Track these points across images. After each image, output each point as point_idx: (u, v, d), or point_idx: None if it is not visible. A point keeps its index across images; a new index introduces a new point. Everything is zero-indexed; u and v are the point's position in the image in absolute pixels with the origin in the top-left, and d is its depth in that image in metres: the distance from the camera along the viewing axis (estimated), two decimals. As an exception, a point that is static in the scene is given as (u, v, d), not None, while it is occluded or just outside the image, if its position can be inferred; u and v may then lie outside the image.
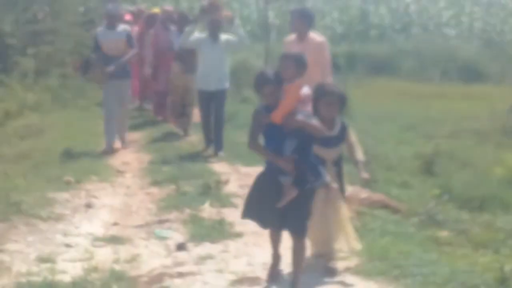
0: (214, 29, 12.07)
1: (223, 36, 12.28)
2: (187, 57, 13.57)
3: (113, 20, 12.32)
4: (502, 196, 9.66)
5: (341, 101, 6.30)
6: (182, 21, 14.67)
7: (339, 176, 6.56)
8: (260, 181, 6.18)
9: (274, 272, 6.37)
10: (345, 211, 6.70)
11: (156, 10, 17.96)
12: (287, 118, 5.62)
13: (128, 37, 12.51)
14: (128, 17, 17.88)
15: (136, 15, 17.99)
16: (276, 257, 6.41)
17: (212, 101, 12.51)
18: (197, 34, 12.33)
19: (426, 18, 31.11)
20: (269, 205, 5.89)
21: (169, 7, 18.40)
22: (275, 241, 6.37)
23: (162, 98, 15.42)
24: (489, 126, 14.67)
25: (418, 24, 30.72)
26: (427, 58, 24.17)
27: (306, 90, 5.91)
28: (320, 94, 6.31)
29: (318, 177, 5.97)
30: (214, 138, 12.56)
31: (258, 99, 6.17)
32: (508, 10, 30.51)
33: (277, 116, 5.57)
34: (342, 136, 6.35)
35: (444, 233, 8.43)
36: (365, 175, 6.62)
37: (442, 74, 23.00)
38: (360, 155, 6.62)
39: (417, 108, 16.81)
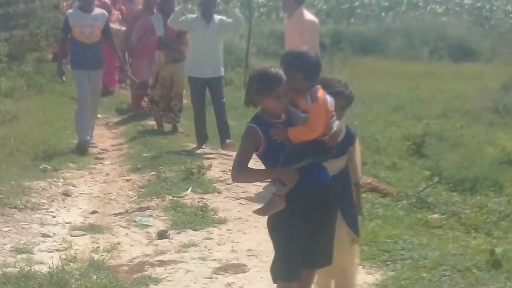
0: (208, 9, 11.47)
1: (217, 17, 11.68)
2: (174, 44, 13.01)
3: (88, 1, 11.29)
4: (494, 177, 9.70)
5: (348, 102, 5.34)
6: (166, 4, 13.58)
7: (346, 199, 5.30)
8: (287, 225, 4.80)
9: None
10: (355, 250, 5.57)
11: None
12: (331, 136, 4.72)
13: (106, 24, 11.62)
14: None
15: None
16: None
17: (206, 90, 11.88)
18: (188, 15, 11.88)
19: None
20: (298, 241, 4.80)
21: None
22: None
23: (144, 90, 14.48)
24: (480, 105, 14.73)
25: (406, 2, 30.71)
26: (416, 36, 24.36)
27: (329, 100, 4.82)
28: (331, 93, 5.01)
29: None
30: (220, 128, 11.75)
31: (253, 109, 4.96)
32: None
33: (299, 135, 4.61)
34: (346, 145, 5.24)
35: (434, 216, 8.46)
36: (362, 210, 5.91)
37: (431, 52, 23.15)
38: (359, 176, 5.76)
39: (406, 88, 16.88)
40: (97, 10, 11.65)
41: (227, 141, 11.39)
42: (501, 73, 17.51)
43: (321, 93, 4.70)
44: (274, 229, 4.82)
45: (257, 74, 4.74)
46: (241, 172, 4.81)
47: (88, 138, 11.52)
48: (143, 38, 14.49)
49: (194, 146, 11.81)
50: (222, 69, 11.99)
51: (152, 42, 13.94)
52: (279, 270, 4.85)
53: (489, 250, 6.78)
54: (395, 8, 30.03)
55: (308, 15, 10.38)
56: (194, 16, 11.71)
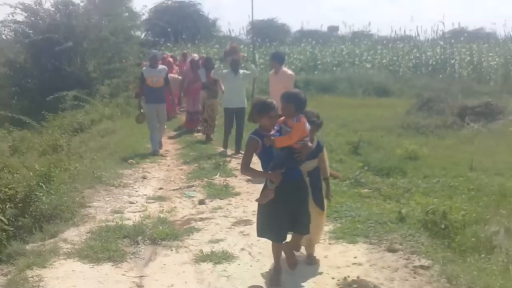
0: (235, 66, 11.43)
1: (241, 71, 11.58)
2: (212, 87, 12.97)
3: (154, 61, 11.60)
4: (401, 167, 9.66)
5: (319, 127, 5.51)
6: (208, 62, 13.76)
7: (315, 187, 5.43)
8: (274, 202, 4.93)
9: (277, 279, 5.06)
10: (321, 219, 5.61)
11: (195, 55, 17.39)
12: (302, 146, 4.88)
13: (166, 75, 11.58)
14: (169, 58, 17.78)
15: (183, 57, 17.32)
16: (279, 268, 5.12)
17: (234, 116, 11.56)
18: (224, 70, 11.73)
19: (353, 57, 31.09)
20: (282, 216, 4.97)
21: (196, 55, 17.64)
22: (279, 254, 5.14)
23: (193, 115, 14.56)
24: (393, 123, 14.68)
25: (348, 61, 30.70)
26: (354, 82, 24.22)
27: (308, 126, 5.01)
28: (308, 121, 5.10)
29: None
30: (237, 142, 11.53)
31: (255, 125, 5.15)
32: (405, 50, 30.55)
33: (281, 142, 4.82)
34: (316, 152, 5.36)
35: (365, 190, 8.41)
36: (330, 194, 5.83)
37: (363, 92, 23.01)
38: (327, 173, 5.80)
39: (348, 113, 16.79)
40: (160, 67, 11.88)
41: (240, 153, 11.09)
42: (405, 104, 17.47)
43: (304, 119, 4.91)
44: (265, 205, 4.93)
45: (258, 102, 5.05)
46: (245, 170, 5.06)
47: (158, 149, 11.56)
48: (191, 84, 14.36)
49: (221, 150, 11.66)
50: (245, 103, 11.71)
51: (197, 86, 13.85)
52: (269, 234, 5.06)
53: (398, 211, 6.80)
54: (342, 65, 30.00)
55: (288, 71, 10.52)
56: (226, 70, 11.58)
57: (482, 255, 5.77)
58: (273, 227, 4.97)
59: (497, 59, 26.69)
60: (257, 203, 5.06)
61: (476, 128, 13.96)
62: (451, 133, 13.73)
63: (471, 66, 26.66)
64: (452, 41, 32.20)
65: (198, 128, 14.27)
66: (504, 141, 12.36)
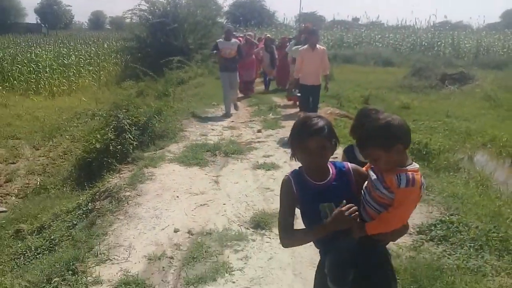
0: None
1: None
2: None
3: (228, 34, 9.38)
4: (397, 113, 9.21)
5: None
6: (269, 41, 12.49)
7: None
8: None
9: None
10: None
11: (268, 35, 15.36)
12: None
13: (238, 47, 9.26)
14: (240, 39, 16.92)
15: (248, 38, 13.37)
16: None
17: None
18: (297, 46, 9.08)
19: (368, 39, 30.19)
20: None
21: (268, 35, 15.15)
22: None
23: (247, 84, 11.94)
24: (394, 84, 14.36)
25: (365, 41, 29.80)
26: (368, 56, 23.42)
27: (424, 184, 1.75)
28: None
29: None
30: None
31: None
32: (405, 35, 29.54)
33: (376, 228, 1.73)
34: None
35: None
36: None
37: (374, 63, 22.25)
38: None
39: (362, 77, 16.24)
40: (233, 40, 9.54)
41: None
42: (403, 72, 16.81)
43: (419, 175, 1.71)
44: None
45: (297, 121, 1.91)
46: (286, 237, 1.88)
47: (230, 112, 9.33)
48: (246, 57, 11.09)
49: (278, 99, 11.15)
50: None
51: (251, 59, 11.98)
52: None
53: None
54: (360, 44, 29.01)
55: (322, 46, 7.60)
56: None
57: (451, 173, 5.67)
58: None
59: (470, 42, 26.73)
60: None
61: (452, 89, 13.93)
62: (434, 92, 13.56)
63: (452, 47, 26.42)
64: (441, 29, 32.50)
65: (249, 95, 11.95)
66: (471, 99, 12.20)
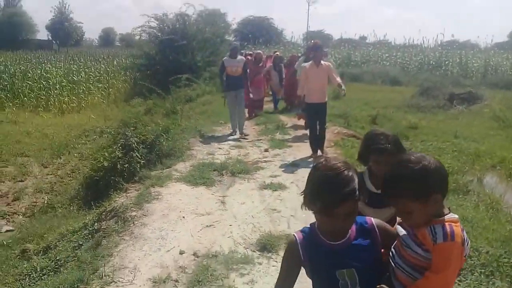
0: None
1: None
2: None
3: (235, 52, 9.05)
4: (405, 134, 9.35)
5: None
6: (278, 60, 12.51)
7: None
8: None
9: None
10: None
11: (277, 52, 14.77)
12: None
13: (244, 64, 8.94)
14: (247, 57, 16.85)
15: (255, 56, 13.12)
16: None
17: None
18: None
19: (376, 57, 30.21)
20: None
21: (278, 52, 14.90)
22: None
23: (255, 102, 11.45)
24: (401, 104, 14.33)
25: (372, 60, 29.85)
26: (375, 75, 23.45)
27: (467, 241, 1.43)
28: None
29: None
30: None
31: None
32: (413, 54, 29.61)
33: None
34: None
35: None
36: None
37: (382, 82, 22.26)
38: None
39: (370, 96, 16.20)
40: (239, 57, 9.15)
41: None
42: (411, 91, 16.81)
43: (459, 227, 1.38)
44: None
45: (320, 173, 1.39)
46: None
47: (236, 131, 9.11)
48: (255, 76, 11.41)
49: (286, 118, 11.12)
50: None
51: (259, 78, 11.88)
52: None
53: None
54: (367, 63, 29.05)
55: (326, 62, 7.26)
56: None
57: (460, 196, 5.58)
58: None
59: (478, 62, 26.50)
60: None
61: (461, 109, 13.84)
62: (442, 112, 13.47)
63: (459, 66, 26.25)
64: (448, 48, 32.08)
65: (257, 114, 11.59)
66: (480, 119, 12.08)
